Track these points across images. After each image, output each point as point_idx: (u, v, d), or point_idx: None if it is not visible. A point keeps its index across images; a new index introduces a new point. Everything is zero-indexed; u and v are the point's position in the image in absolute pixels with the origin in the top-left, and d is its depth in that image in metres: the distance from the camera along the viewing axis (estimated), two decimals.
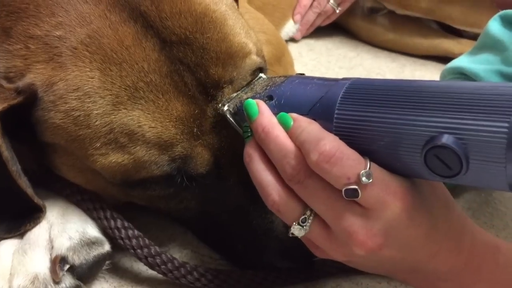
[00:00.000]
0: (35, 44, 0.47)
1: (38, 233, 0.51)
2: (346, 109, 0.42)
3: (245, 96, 0.49)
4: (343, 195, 0.40)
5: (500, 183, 0.36)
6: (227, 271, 0.55)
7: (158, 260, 0.53)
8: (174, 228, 0.62)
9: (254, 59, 0.52)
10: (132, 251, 0.53)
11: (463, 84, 0.38)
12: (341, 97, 0.42)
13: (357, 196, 0.40)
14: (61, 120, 0.47)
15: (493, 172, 0.35)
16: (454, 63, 0.71)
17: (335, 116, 0.42)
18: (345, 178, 0.40)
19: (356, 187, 0.39)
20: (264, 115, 0.45)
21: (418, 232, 0.42)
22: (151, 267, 0.53)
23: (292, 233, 0.44)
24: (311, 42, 1.23)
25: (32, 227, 0.51)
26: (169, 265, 0.53)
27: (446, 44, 1.19)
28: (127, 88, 0.46)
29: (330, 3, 1.18)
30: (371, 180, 0.39)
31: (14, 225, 0.52)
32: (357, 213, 0.41)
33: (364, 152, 0.41)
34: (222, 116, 0.50)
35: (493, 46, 0.67)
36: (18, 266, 0.49)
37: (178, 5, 0.49)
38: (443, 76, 0.73)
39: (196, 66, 0.48)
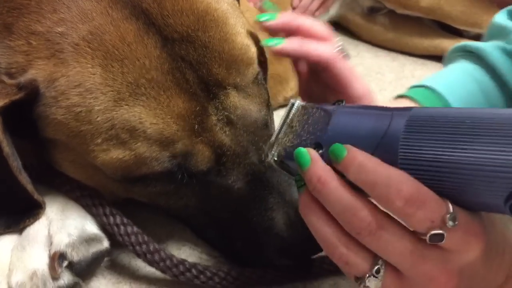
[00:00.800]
0: (37, 40, 0.47)
1: (37, 229, 0.51)
2: (412, 145, 0.37)
3: (288, 142, 0.45)
4: (427, 240, 0.37)
5: None
6: (226, 268, 0.55)
7: (156, 257, 0.53)
8: (173, 224, 0.62)
9: (255, 67, 0.52)
10: (131, 247, 0.53)
11: None
12: (404, 131, 0.38)
13: (442, 241, 0.37)
14: (63, 116, 0.47)
15: None
16: (459, 43, 0.71)
17: (400, 152, 0.38)
18: (429, 221, 0.37)
19: (441, 231, 0.37)
20: (318, 165, 0.41)
21: (488, 264, 0.40)
22: (150, 263, 0.53)
23: (366, 286, 0.41)
24: None
25: (31, 223, 0.51)
26: (168, 262, 0.53)
27: (446, 43, 1.19)
28: (129, 84, 0.46)
29: None
30: (456, 223, 0.37)
31: (13, 220, 0.52)
32: (437, 257, 0.39)
33: (436, 193, 0.37)
34: (224, 114, 0.50)
35: (499, 33, 0.68)
36: (17, 262, 0.49)
37: (180, 3, 0.49)
38: (448, 58, 0.73)
39: (198, 64, 0.48)
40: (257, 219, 0.53)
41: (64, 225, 0.51)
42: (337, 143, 0.40)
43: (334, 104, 0.45)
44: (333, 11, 1.27)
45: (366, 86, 0.58)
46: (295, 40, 0.57)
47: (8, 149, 0.47)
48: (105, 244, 0.53)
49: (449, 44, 1.19)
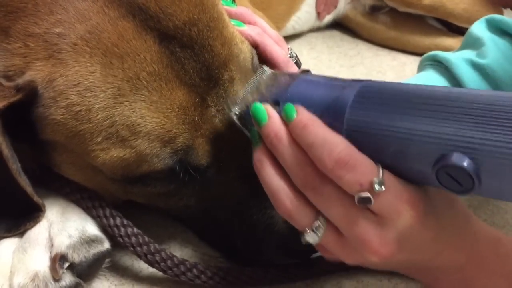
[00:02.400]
0: (34, 42, 0.47)
1: (38, 232, 0.51)
2: (357, 112, 0.41)
3: (250, 99, 0.48)
4: (356, 202, 0.40)
5: None
6: (227, 268, 0.55)
7: (157, 258, 0.53)
8: (174, 226, 0.62)
9: (249, 45, 0.54)
10: (131, 248, 0.53)
11: (478, 93, 0.37)
12: (352, 100, 0.41)
13: (370, 204, 0.39)
14: (62, 116, 0.47)
15: (507, 189, 0.35)
16: (431, 52, 0.72)
17: (346, 118, 0.41)
18: (357, 185, 0.39)
19: (368, 194, 0.39)
20: (274, 121, 0.44)
21: (428, 235, 0.42)
22: (151, 264, 0.53)
23: (305, 240, 0.44)
24: (312, 40, 1.23)
25: (32, 226, 0.51)
26: (169, 262, 0.53)
27: (448, 42, 1.19)
28: (129, 80, 0.46)
29: None
30: (383, 188, 0.39)
31: (14, 224, 0.52)
32: (370, 221, 0.41)
33: (376, 158, 0.40)
34: (223, 106, 0.50)
35: (473, 43, 0.68)
36: (18, 264, 0.49)
37: None
38: (419, 66, 0.74)
39: (201, 47, 0.49)
40: (257, 217, 0.52)
41: (64, 227, 0.51)
42: (289, 103, 0.44)
43: (301, 72, 0.50)
44: (341, 8, 1.27)
45: None
46: (257, 28, 0.59)
47: (7, 151, 0.47)
48: (106, 245, 0.53)
49: (451, 42, 1.18)
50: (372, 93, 0.41)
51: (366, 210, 0.40)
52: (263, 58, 0.59)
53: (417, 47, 1.21)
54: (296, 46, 1.19)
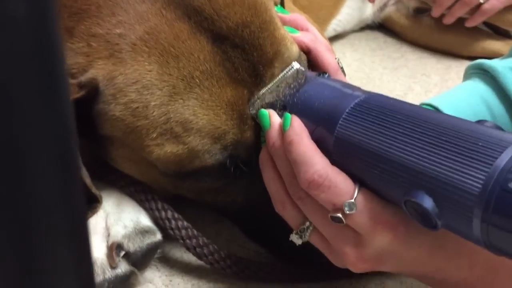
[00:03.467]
0: (96, 42, 0.50)
1: (96, 222, 0.53)
2: (348, 125, 0.42)
3: (267, 98, 0.51)
4: (329, 219, 0.42)
5: (477, 242, 0.34)
6: (271, 264, 0.56)
7: (206, 251, 0.55)
8: (221, 222, 0.64)
9: (297, 48, 0.56)
10: (181, 241, 0.55)
11: (449, 125, 0.36)
12: (345, 114, 0.42)
13: (342, 223, 0.42)
14: (121, 112, 0.49)
15: (467, 233, 0.34)
16: (478, 60, 0.71)
17: (337, 129, 0.42)
18: (331, 204, 0.42)
19: (340, 215, 0.41)
20: (274, 129, 0.47)
21: (419, 252, 0.42)
22: (199, 257, 0.55)
23: (291, 239, 0.48)
24: (355, 42, 1.23)
25: (90, 216, 0.54)
26: (216, 255, 0.55)
27: (495, 45, 1.17)
28: (184, 78, 0.49)
29: None
30: (354, 211, 0.41)
31: None
32: (349, 236, 0.43)
33: (359, 174, 0.41)
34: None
35: None
36: None
37: None
38: (465, 74, 0.73)
39: (252, 47, 0.51)
40: None
41: (120, 217, 0.54)
42: (287, 114, 0.46)
43: (318, 74, 0.51)
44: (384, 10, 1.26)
45: None
46: (310, 35, 0.61)
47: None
48: (158, 236, 0.55)
49: (498, 46, 1.16)
50: (366, 109, 0.42)
51: (345, 225, 0.42)
52: (315, 64, 0.60)
53: (462, 50, 1.19)
54: (339, 48, 1.19)
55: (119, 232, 0.52)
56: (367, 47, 1.21)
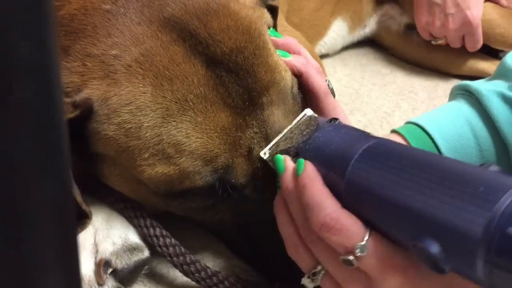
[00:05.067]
0: (92, 62, 0.51)
1: (84, 237, 0.54)
2: (357, 172, 0.43)
3: (281, 145, 0.52)
4: (340, 262, 0.42)
5: (481, 283, 0.35)
6: (257, 282, 0.57)
7: (192, 268, 0.56)
8: (208, 237, 0.65)
9: (291, 75, 0.57)
10: (169, 258, 0.56)
11: (454, 170, 0.37)
12: (355, 160, 0.43)
13: (353, 266, 0.42)
14: (114, 132, 0.50)
15: (472, 275, 0.35)
16: (464, 82, 0.72)
17: (347, 172, 0.43)
18: (342, 247, 0.42)
19: (351, 257, 0.42)
20: (288, 174, 0.48)
21: None
22: (186, 274, 0.56)
23: (303, 282, 0.48)
24: (345, 57, 1.25)
25: (79, 232, 0.55)
26: (203, 273, 0.56)
27: (481, 65, 1.19)
28: (178, 101, 0.49)
29: None
30: (365, 253, 0.41)
31: None
32: (360, 279, 0.43)
33: (369, 217, 0.42)
34: (262, 127, 0.53)
35: (505, 74, 0.68)
36: None
37: (225, 21, 0.52)
38: (451, 94, 0.74)
39: (246, 73, 0.52)
40: None
41: (109, 234, 0.54)
42: (301, 159, 0.48)
43: (330, 121, 0.52)
44: (369, 28, 1.29)
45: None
46: (301, 59, 0.62)
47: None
48: (146, 253, 0.56)
49: (485, 65, 1.19)
50: (374, 155, 0.43)
51: (357, 268, 0.42)
52: (305, 87, 0.62)
53: (450, 68, 1.21)
54: (330, 63, 1.21)
55: (107, 249, 0.53)
56: (358, 62, 1.23)
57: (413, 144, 0.63)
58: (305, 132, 0.52)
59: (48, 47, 0.16)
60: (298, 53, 0.63)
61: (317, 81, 0.62)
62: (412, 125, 0.66)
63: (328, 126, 0.51)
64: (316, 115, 0.53)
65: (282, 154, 0.51)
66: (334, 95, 0.68)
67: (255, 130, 0.53)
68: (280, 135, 0.52)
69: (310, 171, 0.46)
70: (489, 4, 1.14)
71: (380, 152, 0.43)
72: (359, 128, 0.50)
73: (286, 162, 0.49)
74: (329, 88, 0.67)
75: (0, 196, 0.16)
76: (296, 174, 0.47)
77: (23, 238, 0.18)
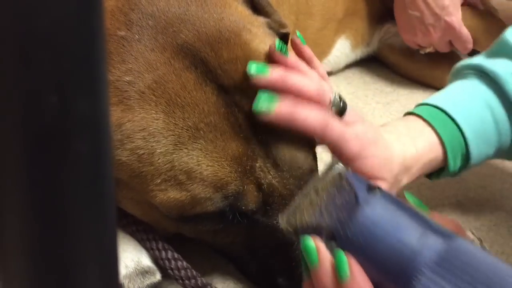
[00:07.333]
0: None
1: None
2: (429, 284, 0.36)
3: (306, 215, 0.41)
4: None
5: None
6: None
7: None
8: (218, 258, 0.65)
9: None
10: (180, 281, 0.56)
11: None
12: (423, 270, 0.37)
13: None
14: (127, 158, 0.51)
15: None
16: (471, 61, 0.67)
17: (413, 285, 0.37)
18: None
19: None
20: (324, 269, 0.40)
21: None
22: None
23: None
24: (349, 75, 1.26)
25: None
26: None
27: None
28: (189, 128, 0.50)
29: None
30: None
31: None
32: None
33: None
34: (272, 158, 0.53)
35: (509, 53, 0.64)
36: None
37: (235, 52, 0.53)
38: (456, 73, 0.68)
39: (251, 109, 0.52)
40: (299, 258, 0.55)
41: (121, 257, 0.55)
42: (343, 257, 0.38)
43: (368, 189, 0.41)
44: (372, 46, 1.30)
45: (358, 144, 0.54)
46: (286, 106, 0.51)
47: None
48: (158, 276, 0.56)
49: None
50: (448, 264, 0.37)
51: None
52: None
53: None
54: (334, 81, 1.22)
55: (120, 272, 0.53)
56: (361, 79, 1.25)
57: (440, 131, 0.59)
58: (336, 200, 0.40)
59: (103, 104, 0.17)
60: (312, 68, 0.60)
61: (337, 130, 0.53)
62: (432, 107, 0.62)
63: (372, 203, 0.40)
64: (348, 174, 0.42)
65: (310, 232, 0.41)
66: (346, 107, 0.60)
67: (266, 159, 0.54)
68: (301, 195, 0.42)
69: (361, 281, 0.38)
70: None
71: (454, 261, 0.37)
72: (410, 205, 0.41)
73: (321, 254, 0.40)
74: (340, 103, 0.59)
75: (50, 243, 0.17)
76: (339, 276, 0.39)
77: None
